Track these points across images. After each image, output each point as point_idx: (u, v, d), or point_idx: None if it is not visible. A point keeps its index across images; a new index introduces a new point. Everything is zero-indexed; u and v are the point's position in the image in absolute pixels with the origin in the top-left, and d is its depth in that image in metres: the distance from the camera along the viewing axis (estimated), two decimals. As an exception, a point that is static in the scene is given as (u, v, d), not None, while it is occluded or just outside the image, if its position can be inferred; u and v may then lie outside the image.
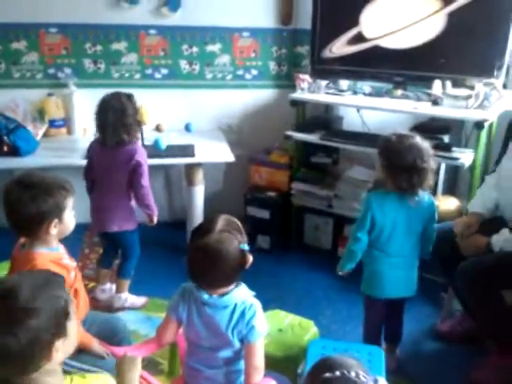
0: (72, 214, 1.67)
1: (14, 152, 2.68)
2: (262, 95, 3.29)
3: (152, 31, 3.08)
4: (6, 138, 2.66)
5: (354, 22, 2.89)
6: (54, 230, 1.60)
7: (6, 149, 2.66)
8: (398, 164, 1.89)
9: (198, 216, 2.94)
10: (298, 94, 2.95)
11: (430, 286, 2.52)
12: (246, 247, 1.46)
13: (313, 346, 1.85)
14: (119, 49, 3.08)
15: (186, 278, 1.51)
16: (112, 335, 1.85)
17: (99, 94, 3.02)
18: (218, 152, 2.88)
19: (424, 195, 1.96)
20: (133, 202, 2.42)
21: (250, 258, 1.48)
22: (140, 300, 2.60)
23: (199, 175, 2.87)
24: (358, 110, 2.98)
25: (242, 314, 1.46)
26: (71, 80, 3.05)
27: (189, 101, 3.21)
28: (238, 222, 1.50)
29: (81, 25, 3.00)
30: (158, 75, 3.17)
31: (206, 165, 2.95)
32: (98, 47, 3.06)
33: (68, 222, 1.65)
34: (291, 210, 3.11)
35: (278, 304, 2.53)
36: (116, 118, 2.25)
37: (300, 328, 2.04)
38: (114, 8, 2.99)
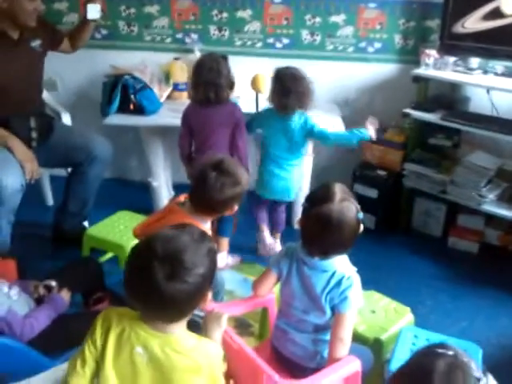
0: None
1: (140, 110, 2.85)
2: (383, 70, 3.16)
3: (277, 0, 3.08)
4: (132, 96, 2.84)
5: (493, -4, 2.66)
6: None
7: (132, 107, 2.84)
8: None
9: (303, 186, 2.94)
10: (421, 70, 2.79)
11: None
12: (361, 216, 1.47)
13: (404, 333, 1.80)
14: (243, 16, 3.12)
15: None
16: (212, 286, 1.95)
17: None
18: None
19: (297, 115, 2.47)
20: None
21: (362, 227, 1.48)
22: (236, 258, 2.69)
23: (309, 146, 2.85)
24: (488, 91, 2.76)
25: (339, 282, 1.47)
26: (197, 46, 3.16)
27: (307, 72, 3.17)
28: (348, 191, 1.51)
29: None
30: (278, 44, 3.17)
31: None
32: (224, 14, 3.13)
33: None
34: (401, 191, 2.99)
35: (375, 286, 2.46)
36: (213, 76, 2.38)
37: (395, 313, 1.97)
38: (243, -25, 3.03)
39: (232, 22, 3.14)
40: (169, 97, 3.14)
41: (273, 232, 2.81)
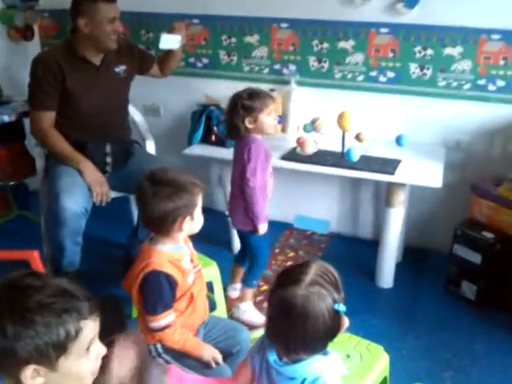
0: (200, 211, 1.62)
1: (221, 142, 2.76)
2: (506, 112, 2.66)
3: (383, 29, 2.77)
4: (215, 128, 2.76)
5: None
6: (186, 227, 1.58)
7: (213, 138, 2.77)
8: None
9: (391, 242, 2.57)
10: (545, 116, 2.28)
11: None
12: (341, 308, 1.14)
13: None
14: (346, 47, 2.87)
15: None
16: (233, 344, 1.75)
17: (319, 93, 2.98)
18: (425, 173, 2.44)
19: None
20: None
21: (346, 323, 1.16)
22: (261, 318, 2.36)
23: (399, 196, 2.48)
24: None
25: None
26: (294, 77, 2.99)
27: (411, 109, 2.82)
28: (336, 274, 1.18)
29: (310, 20, 2.89)
30: (382, 78, 2.86)
31: (416, 186, 2.54)
32: (325, 45, 2.92)
33: (198, 219, 1.61)
34: (512, 259, 2.46)
35: (453, 373, 2.06)
36: (225, 112, 2.31)
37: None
38: (347, 4, 2.79)
39: (333, 52, 2.91)
40: (261, 129, 3.01)
41: None
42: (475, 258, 2.49)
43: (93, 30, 2.34)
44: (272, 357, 1.19)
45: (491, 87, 2.67)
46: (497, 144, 2.71)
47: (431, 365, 2.14)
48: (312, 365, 1.16)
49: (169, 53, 2.65)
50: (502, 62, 2.61)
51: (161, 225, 1.58)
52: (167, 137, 3.30)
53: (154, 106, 3.39)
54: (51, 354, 0.95)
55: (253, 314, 2.39)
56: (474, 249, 2.49)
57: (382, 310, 2.54)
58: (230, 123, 2.17)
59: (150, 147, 2.88)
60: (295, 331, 1.13)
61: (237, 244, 2.97)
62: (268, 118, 2.14)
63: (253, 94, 2.13)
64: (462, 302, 2.57)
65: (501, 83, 2.64)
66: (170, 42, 2.49)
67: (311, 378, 1.14)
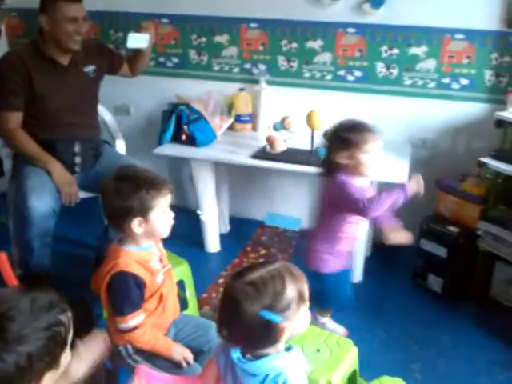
0: (166, 215, 1.59)
1: (191, 142, 2.76)
2: (469, 109, 2.74)
3: (350, 29, 2.82)
4: (185, 127, 2.77)
5: None
6: (138, 229, 1.55)
7: (184, 137, 2.77)
8: None
9: (360, 237, 2.61)
10: (506, 113, 2.36)
11: None
12: (272, 318, 1.12)
13: None
14: (314, 47, 2.91)
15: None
16: (204, 342, 1.75)
17: (289, 92, 3.01)
18: (392, 170, 2.49)
19: None
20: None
21: (283, 335, 1.15)
22: (340, 329, 2.27)
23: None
24: None
25: None
26: (263, 76, 3.02)
27: (378, 108, 2.87)
28: (289, 284, 1.15)
29: (279, 20, 2.92)
30: (350, 77, 2.91)
31: (382, 183, 2.59)
32: (294, 44, 2.95)
33: (157, 223, 1.57)
34: (478, 253, 2.53)
35: (421, 364, 2.12)
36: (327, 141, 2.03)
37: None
38: (315, 4, 2.82)
39: (301, 52, 2.94)
40: (231, 128, 3.03)
41: None
42: (441, 251, 2.56)
43: (53, 28, 2.31)
44: (235, 354, 1.19)
45: (455, 86, 2.74)
46: (460, 141, 2.79)
47: (400, 357, 2.19)
48: (274, 361, 1.16)
49: (138, 52, 2.64)
50: (465, 61, 2.68)
51: (114, 221, 1.59)
52: (138, 136, 3.30)
53: (124, 105, 3.37)
54: None
55: (332, 325, 2.29)
56: (440, 243, 2.56)
57: (353, 304, 2.58)
58: (326, 156, 1.99)
59: (120, 147, 2.87)
60: (234, 324, 1.15)
61: (210, 242, 2.99)
62: (366, 157, 1.87)
63: (352, 126, 1.89)
64: (428, 295, 2.63)
65: (464, 82, 2.72)
66: (138, 41, 2.49)
67: (273, 374, 1.14)
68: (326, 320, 2.28)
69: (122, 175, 1.56)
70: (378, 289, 2.71)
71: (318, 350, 1.75)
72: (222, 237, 3.09)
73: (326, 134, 1.99)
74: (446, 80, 2.74)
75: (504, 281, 2.52)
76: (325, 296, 2.08)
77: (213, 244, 3.02)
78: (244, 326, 1.13)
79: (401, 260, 2.91)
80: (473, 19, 2.59)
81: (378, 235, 2.91)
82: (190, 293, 2.31)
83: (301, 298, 1.17)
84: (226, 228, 3.24)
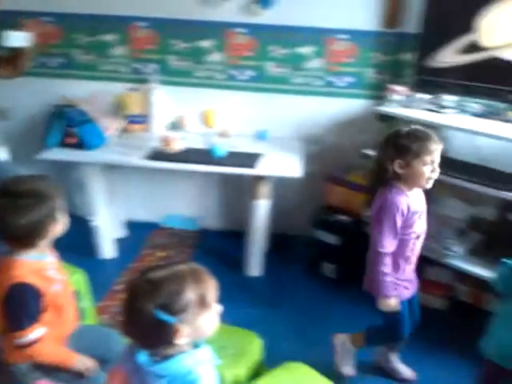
0: (63, 215, 1.55)
1: (80, 145, 2.65)
2: (353, 105, 2.91)
3: (240, 30, 2.87)
4: (74, 130, 2.64)
5: (469, 28, 2.41)
6: (51, 233, 1.51)
7: (72, 141, 2.65)
8: None
9: (258, 233, 2.68)
10: (386, 108, 2.53)
11: None
12: (166, 318, 1.09)
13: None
14: (206, 47, 2.92)
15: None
16: (106, 350, 1.69)
17: (180, 92, 3.00)
18: (286, 165, 2.58)
19: None
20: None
21: (179, 336, 1.12)
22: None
23: (263, 189, 2.59)
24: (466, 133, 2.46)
25: None
26: (154, 76, 2.97)
27: (270, 106, 2.95)
28: (178, 287, 1.12)
29: (170, 20, 2.89)
30: (242, 77, 2.96)
31: (278, 178, 2.67)
32: (185, 44, 2.94)
33: (62, 220, 1.55)
34: (367, 238, 2.68)
35: (322, 347, 2.20)
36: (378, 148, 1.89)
37: None
38: (205, 4, 2.83)
39: (193, 52, 2.94)
40: (122, 129, 2.94)
41: None
42: (333, 239, 2.69)
43: None
44: (142, 357, 1.15)
45: (340, 83, 2.89)
46: (346, 136, 2.94)
47: (302, 343, 2.28)
48: (183, 360, 1.15)
49: (17, 51, 2.48)
50: (349, 60, 2.84)
51: (28, 238, 1.49)
52: (20, 141, 3.06)
53: (1, 108, 3.13)
54: None
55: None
56: (332, 231, 2.70)
57: (254, 298, 2.63)
58: (376, 163, 1.82)
59: (2, 154, 2.67)
60: (131, 320, 1.13)
61: (104, 248, 2.88)
62: (422, 169, 1.74)
63: (413, 134, 1.76)
64: (324, 282, 2.76)
65: (348, 79, 2.88)
66: (16, 39, 2.33)
67: (182, 373, 1.14)
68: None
69: (21, 190, 1.47)
70: (278, 280, 2.79)
71: (222, 346, 1.75)
72: (118, 242, 3.00)
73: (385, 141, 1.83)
74: (332, 78, 2.89)
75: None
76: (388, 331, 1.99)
77: (107, 250, 2.91)
78: (140, 323, 1.11)
79: (297, 251, 3.02)
80: (355, 20, 2.75)
81: (275, 227, 3.01)
82: (87, 302, 2.21)
83: (202, 301, 1.14)
84: (122, 233, 3.14)
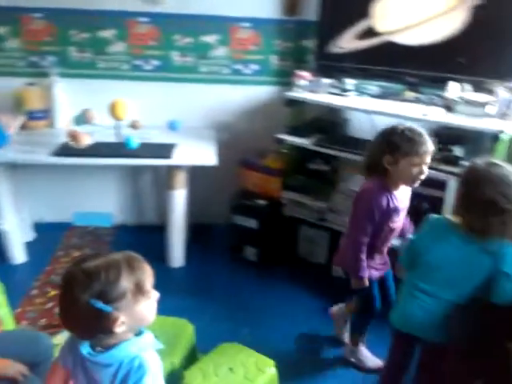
0: None
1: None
2: (261, 92, 2.98)
3: (142, 19, 2.82)
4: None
5: (365, 14, 2.57)
6: None
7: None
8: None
9: (177, 223, 2.68)
10: (293, 93, 2.63)
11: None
12: (102, 307, 1.09)
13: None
14: (107, 37, 2.84)
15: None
16: (36, 354, 1.64)
17: (83, 84, 2.89)
18: (200, 154, 2.60)
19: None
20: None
21: (117, 325, 1.12)
22: (375, 362, 2.16)
23: (179, 178, 2.60)
24: (366, 114, 2.64)
25: (126, 377, 1.13)
26: (54, 69, 2.84)
27: (179, 96, 2.95)
28: (114, 276, 1.11)
29: (67, 10, 2.76)
30: (147, 67, 2.91)
31: (193, 167, 2.68)
32: (85, 34, 2.83)
33: None
34: (283, 220, 2.79)
35: (251, 327, 2.29)
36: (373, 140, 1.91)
37: (255, 368, 1.73)
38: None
39: (94, 42, 2.84)
40: (24, 126, 2.79)
41: None
42: (252, 223, 2.76)
43: None
44: (85, 349, 1.15)
45: (246, 71, 2.95)
46: (257, 121, 3.01)
47: (231, 325, 2.34)
48: (127, 347, 1.15)
49: None
50: (253, 48, 2.90)
51: None
52: None
53: None
54: None
55: (366, 355, 2.19)
56: (250, 215, 2.76)
57: (180, 288, 2.64)
58: (369, 154, 1.88)
59: None
60: (67, 310, 1.13)
61: (14, 253, 2.73)
62: (409, 169, 1.77)
63: (406, 134, 1.77)
64: (247, 265, 2.83)
65: (254, 67, 2.94)
66: None
67: (128, 359, 1.14)
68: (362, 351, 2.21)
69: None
70: (201, 269, 2.82)
71: (156, 337, 1.75)
72: (27, 245, 2.85)
73: (380, 135, 1.86)
74: (239, 66, 2.94)
75: (307, 240, 2.85)
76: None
77: (18, 255, 2.76)
78: (78, 314, 1.10)
79: (218, 238, 3.07)
80: (257, 8, 2.81)
81: (194, 217, 3.03)
82: (4, 309, 2.09)
83: (139, 289, 1.14)
84: (31, 236, 2.99)
